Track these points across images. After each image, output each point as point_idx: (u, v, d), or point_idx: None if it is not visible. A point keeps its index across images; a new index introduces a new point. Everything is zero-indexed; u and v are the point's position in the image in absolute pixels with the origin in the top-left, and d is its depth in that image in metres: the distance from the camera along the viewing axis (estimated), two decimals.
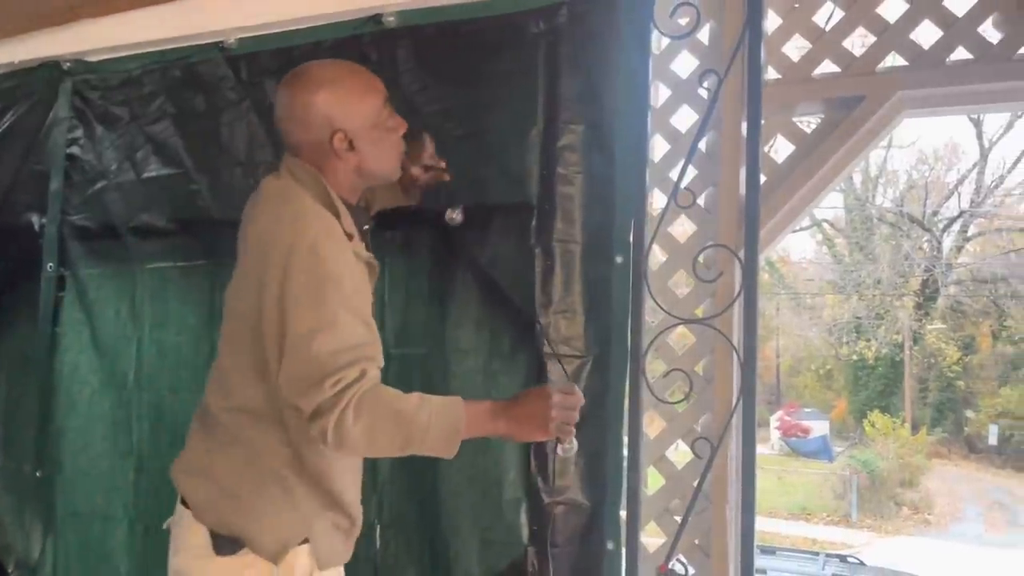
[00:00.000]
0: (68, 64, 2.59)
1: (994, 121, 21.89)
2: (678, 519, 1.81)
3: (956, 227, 22.88)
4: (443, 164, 1.77)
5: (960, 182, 23.12)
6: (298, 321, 1.33)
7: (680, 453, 1.90)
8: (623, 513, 1.83)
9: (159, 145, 2.43)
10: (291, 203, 1.43)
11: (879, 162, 23.11)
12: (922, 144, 22.45)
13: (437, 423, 1.35)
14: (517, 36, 1.97)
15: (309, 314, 1.33)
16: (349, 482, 1.56)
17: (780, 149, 1.95)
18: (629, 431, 1.83)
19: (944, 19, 1.79)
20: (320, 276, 1.35)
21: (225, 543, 1.43)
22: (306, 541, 1.47)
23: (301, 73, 1.52)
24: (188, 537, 1.47)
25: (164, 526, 1.56)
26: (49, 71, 2.61)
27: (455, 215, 1.93)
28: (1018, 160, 22.12)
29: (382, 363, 1.44)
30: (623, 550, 1.81)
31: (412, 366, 1.99)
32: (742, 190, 1.83)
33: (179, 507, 1.50)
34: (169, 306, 2.36)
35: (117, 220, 2.46)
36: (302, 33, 2.26)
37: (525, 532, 1.88)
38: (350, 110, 1.49)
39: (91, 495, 2.41)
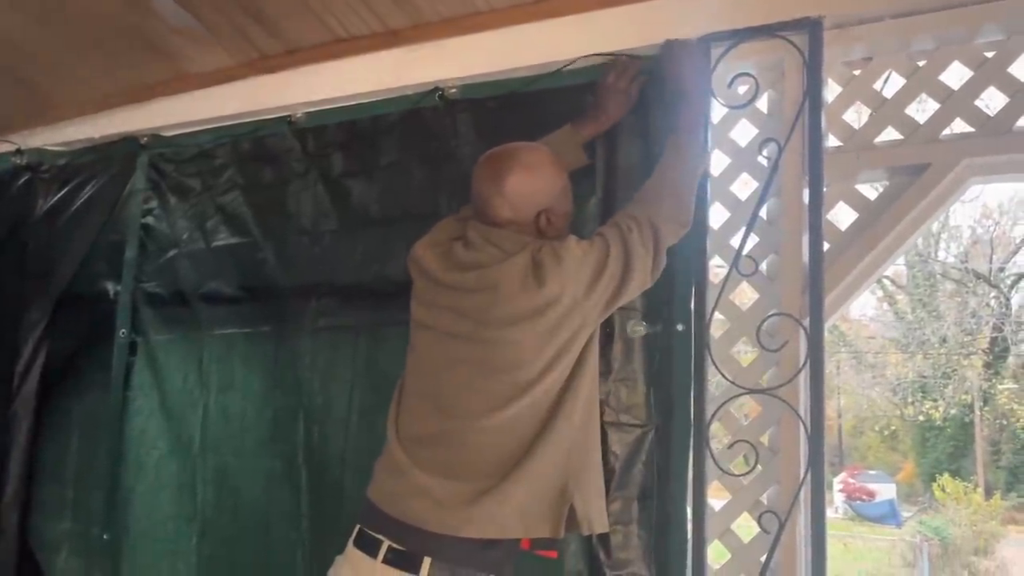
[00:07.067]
0: (145, 139, 2.71)
1: None
2: None
3: None
4: None
5: None
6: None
7: (744, 527, 1.85)
8: None
9: (228, 215, 2.51)
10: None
11: (941, 217, 22.61)
12: (986, 198, 21.87)
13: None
14: (576, 107, 1.99)
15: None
16: None
17: (842, 216, 1.92)
18: (693, 503, 1.79)
19: (1010, 85, 1.76)
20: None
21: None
22: None
23: (508, 157, 1.66)
24: None
25: None
26: (128, 145, 2.74)
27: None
28: None
29: None
30: None
31: None
32: (805, 258, 1.81)
33: None
34: (234, 372, 2.41)
35: (187, 287, 2.54)
36: (365, 107, 2.34)
37: None
38: (552, 192, 1.66)
39: (156, 558, 2.43)
